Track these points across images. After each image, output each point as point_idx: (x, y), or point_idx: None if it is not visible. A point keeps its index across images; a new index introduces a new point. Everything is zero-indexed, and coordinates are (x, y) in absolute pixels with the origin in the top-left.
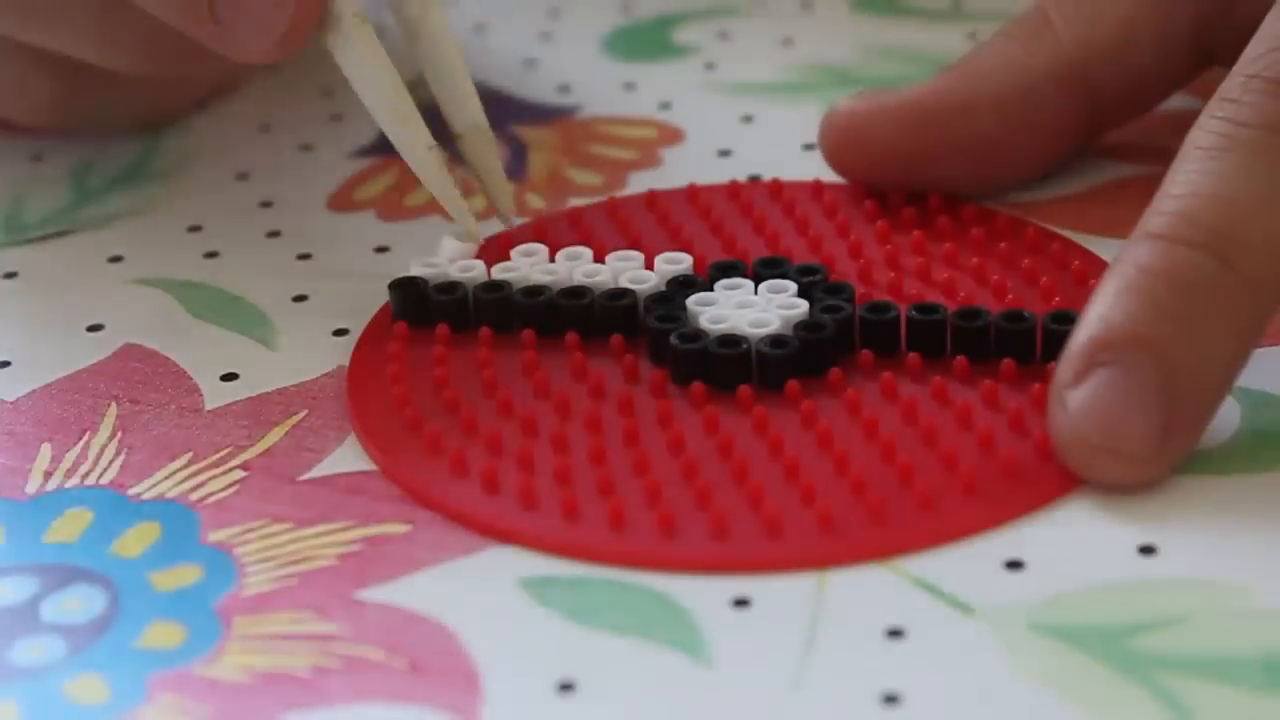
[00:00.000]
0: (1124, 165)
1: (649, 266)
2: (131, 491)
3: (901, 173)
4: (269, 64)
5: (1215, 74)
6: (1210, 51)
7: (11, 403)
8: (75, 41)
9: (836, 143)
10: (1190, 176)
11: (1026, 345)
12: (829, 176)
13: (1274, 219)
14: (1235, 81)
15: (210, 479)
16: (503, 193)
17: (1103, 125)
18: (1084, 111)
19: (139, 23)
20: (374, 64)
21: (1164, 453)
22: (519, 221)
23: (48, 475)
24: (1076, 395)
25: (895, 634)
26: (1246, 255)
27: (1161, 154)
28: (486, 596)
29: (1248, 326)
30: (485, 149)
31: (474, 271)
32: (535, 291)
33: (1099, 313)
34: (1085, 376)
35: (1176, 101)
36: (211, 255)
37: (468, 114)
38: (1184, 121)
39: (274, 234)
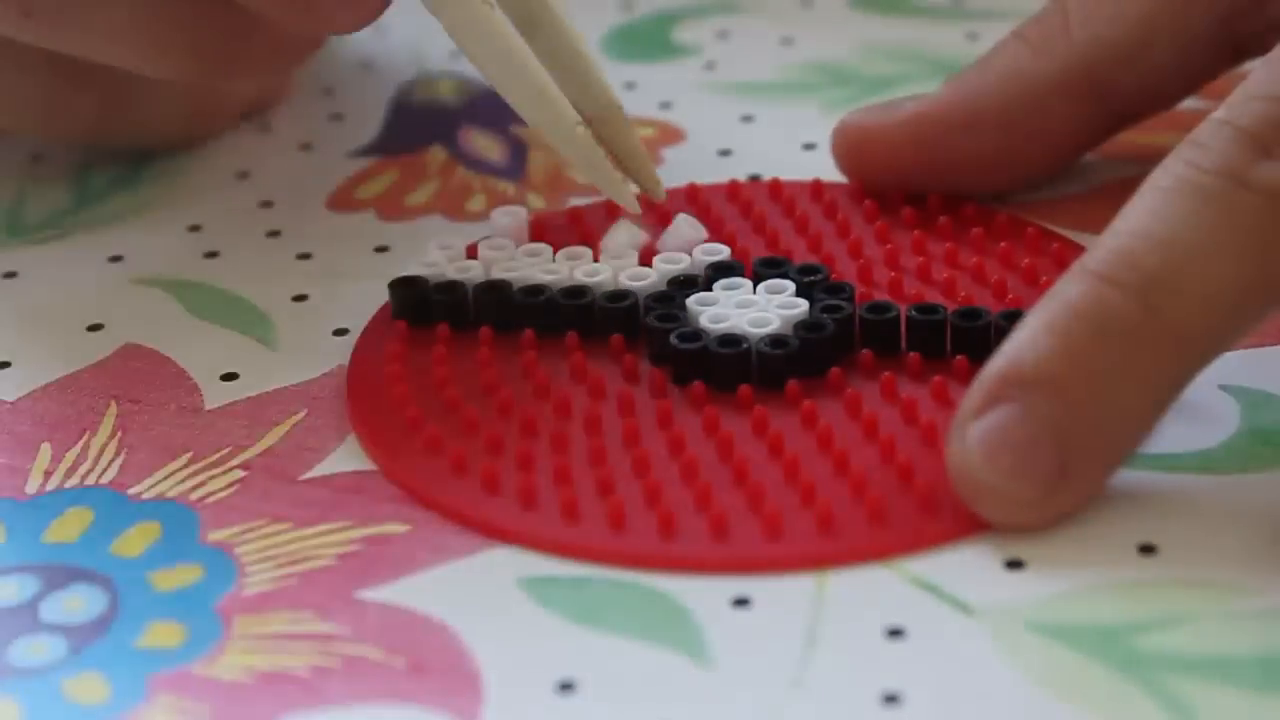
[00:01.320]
0: (1124, 165)
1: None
2: (131, 491)
3: (911, 183)
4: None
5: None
6: (1240, 47)
7: (11, 403)
8: (115, 46)
9: (845, 157)
10: (1140, 215)
11: None
12: (829, 176)
13: (1212, 271)
14: (1207, 125)
15: (210, 479)
16: (648, 170)
17: (1116, 127)
18: (1093, 117)
19: (184, 23)
20: (506, 42)
21: (1051, 502)
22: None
23: (48, 475)
24: (975, 428)
25: (895, 634)
26: (1176, 305)
27: (1162, 154)
28: (486, 596)
29: (1165, 382)
30: (623, 128)
31: (474, 271)
32: (535, 291)
33: (1015, 345)
34: (987, 410)
35: (1186, 101)
36: (211, 255)
37: (602, 95)
38: (1188, 121)
39: (274, 234)
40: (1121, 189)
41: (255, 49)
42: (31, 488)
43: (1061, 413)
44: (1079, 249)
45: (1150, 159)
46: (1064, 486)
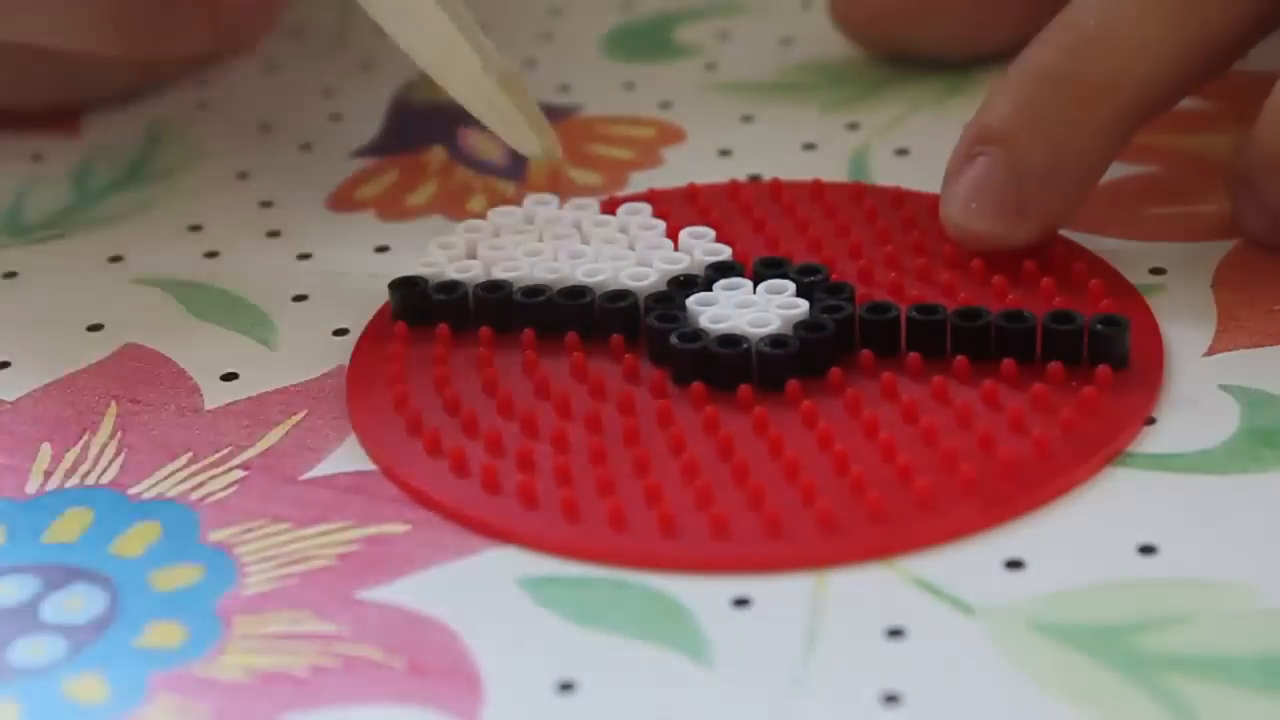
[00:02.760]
0: (1124, 165)
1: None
2: (131, 491)
3: (899, 30)
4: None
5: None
6: None
7: (11, 403)
8: (40, 34)
9: (839, 9)
10: None
11: (1027, 345)
12: (829, 176)
13: (1146, 28)
14: None
15: (210, 479)
16: (545, 131)
17: None
18: None
19: (104, 6)
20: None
21: (1019, 232)
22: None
23: (48, 475)
24: (957, 183)
25: (895, 634)
26: (1110, 57)
27: (1162, 154)
28: (486, 596)
29: (1104, 126)
30: (519, 92)
31: (474, 271)
32: (535, 291)
33: (983, 108)
34: (965, 165)
35: (1185, 101)
36: (211, 255)
37: (503, 63)
38: (1188, 122)
39: (274, 234)
40: (1121, 189)
41: (184, 19)
42: (31, 488)
43: (1014, 157)
44: (1080, 249)
45: (1150, 159)
46: (1026, 218)
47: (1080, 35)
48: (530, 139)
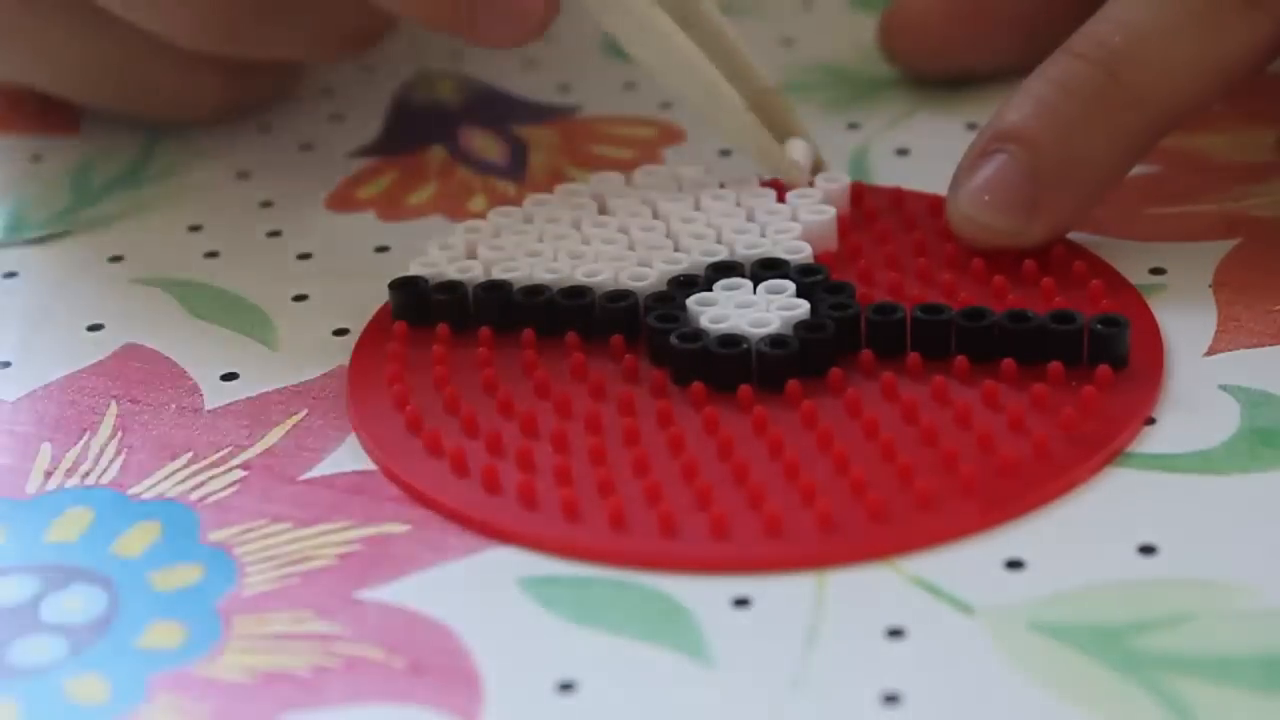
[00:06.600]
0: None
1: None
2: (131, 491)
3: (957, 55)
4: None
5: None
6: None
7: (11, 403)
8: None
9: (892, 44)
10: (1111, 5)
11: (1030, 345)
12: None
13: (1171, 50)
14: None
15: (210, 479)
16: (810, 151)
17: None
18: None
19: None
20: (672, 40)
21: (1029, 230)
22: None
23: (48, 475)
24: (969, 178)
25: (895, 634)
26: (1138, 74)
27: (1161, 154)
28: (486, 596)
29: (1125, 135)
30: (783, 110)
31: (474, 271)
32: (535, 291)
33: (1003, 110)
34: (979, 163)
35: None
36: (211, 255)
37: (755, 81)
38: (1186, 121)
39: (274, 234)
40: (1122, 189)
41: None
42: (31, 488)
43: (1033, 157)
44: (1080, 250)
45: (1150, 159)
46: (1038, 217)
47: (1107, 50)
48: (796, 176)
